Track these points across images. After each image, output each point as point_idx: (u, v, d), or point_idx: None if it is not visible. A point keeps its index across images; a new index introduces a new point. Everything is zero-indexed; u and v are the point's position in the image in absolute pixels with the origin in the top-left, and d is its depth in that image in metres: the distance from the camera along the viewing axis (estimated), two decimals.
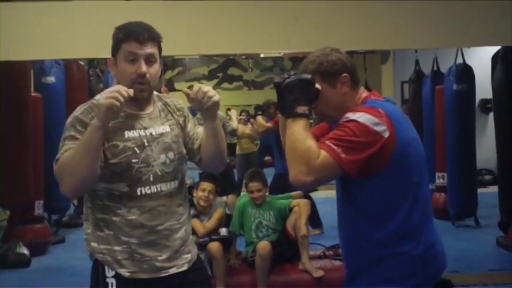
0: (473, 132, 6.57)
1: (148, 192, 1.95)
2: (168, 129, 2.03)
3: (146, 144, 1.96)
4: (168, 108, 2.08)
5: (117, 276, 1.96)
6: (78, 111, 1.96)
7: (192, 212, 4.20)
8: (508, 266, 4.99)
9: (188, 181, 9.08)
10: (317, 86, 1.83)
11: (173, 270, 2.00)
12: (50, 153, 5.96)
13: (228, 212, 4.87)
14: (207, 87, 1.92)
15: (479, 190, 6.79)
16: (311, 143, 1.73)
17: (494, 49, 5.95)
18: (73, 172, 1.82)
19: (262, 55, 10.06)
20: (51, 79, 6.29)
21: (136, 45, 1.91)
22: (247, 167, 6.25)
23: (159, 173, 1.97)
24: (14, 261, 5.40)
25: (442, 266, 1.87)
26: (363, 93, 1.92)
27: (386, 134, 1.72)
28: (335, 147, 1.71)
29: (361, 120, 1.73)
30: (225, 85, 13.71)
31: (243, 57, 12.21)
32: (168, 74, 14.32)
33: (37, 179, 5.81)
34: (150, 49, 1.93)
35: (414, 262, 1.79)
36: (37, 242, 5.77)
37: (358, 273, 1.85)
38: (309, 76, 1.82)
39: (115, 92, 1.78)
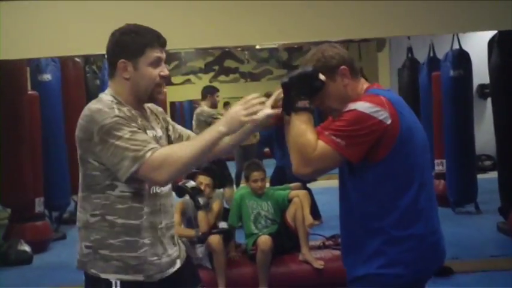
0: (471, 117, 6.57)
1: (159, 191, 1.95)
2: (161, 133, 2.03)
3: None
4: (154, 112, 2.08)
5: None
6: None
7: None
8: (509, 252, 4.98)
9: None
10: (321, 76, 1.85)
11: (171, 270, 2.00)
12: (48, 150, 6.10)
13: (225, 205, 4.85)
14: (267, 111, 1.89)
15: (479, 176, 6.80)
16: (310, 136, 1.80)
17: (490, 34, 5.93)
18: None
19: (257, 47, 10.03)
20: (47, 77, 6.27)
21: (160, 50, 1.93)
22: (246, 159, 6.23)
23: None
24: (16, 259, 5.41)
25: (444, 252, 1.91)
26: (365, 84, 1.95)
27: (388, 121, 1.77)
28: (334, 137, 1.77)
29: (360, 109, 1.79)
30: (222, 78, 13.62)
31: (239, 49, 12.14)
32: None
33: (36, 176, 5.81)
34: (164, 52, 1.97)
35: (421, 246, 1.82)
36: (38, 239, 5.79)
37: (366, 258, 1.85)
38: (310, 68, 1.86)
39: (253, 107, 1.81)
